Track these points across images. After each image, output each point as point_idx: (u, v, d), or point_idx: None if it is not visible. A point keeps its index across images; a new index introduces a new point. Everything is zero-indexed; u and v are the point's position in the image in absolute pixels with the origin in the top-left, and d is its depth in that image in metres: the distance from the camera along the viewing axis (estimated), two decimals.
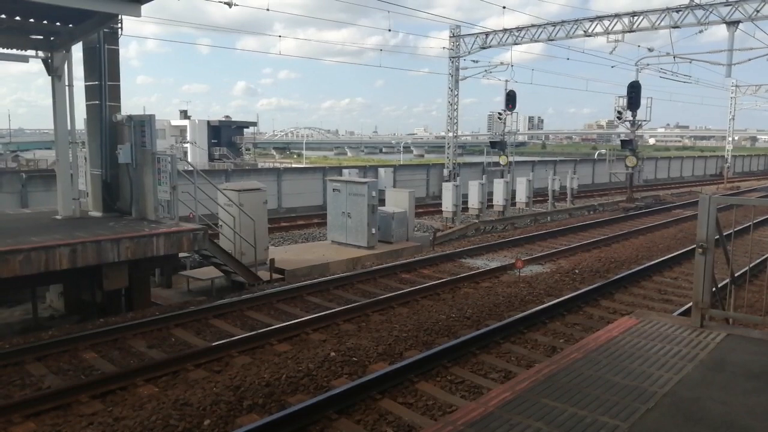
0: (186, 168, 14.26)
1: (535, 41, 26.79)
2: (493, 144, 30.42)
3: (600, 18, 24.89)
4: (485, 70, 29.37)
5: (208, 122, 68.38)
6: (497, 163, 30.16)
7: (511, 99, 28.93)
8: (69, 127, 11.70)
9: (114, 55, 11.77)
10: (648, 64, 28.93)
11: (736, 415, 4.01)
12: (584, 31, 25.18)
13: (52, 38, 11.34)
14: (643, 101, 27.42)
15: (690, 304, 6.82)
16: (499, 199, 23.40)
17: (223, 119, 72.93)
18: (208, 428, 5.91)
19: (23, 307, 10.59)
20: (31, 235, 9.34)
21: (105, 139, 11.77)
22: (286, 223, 20.93)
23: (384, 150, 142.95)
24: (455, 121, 29.97)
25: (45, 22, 10.85)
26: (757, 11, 21.05)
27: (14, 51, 11.19)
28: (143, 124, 11.32)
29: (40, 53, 11.41)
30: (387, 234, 15.65)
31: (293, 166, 46.14)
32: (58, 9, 9.15)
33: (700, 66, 27.03)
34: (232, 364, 7.73)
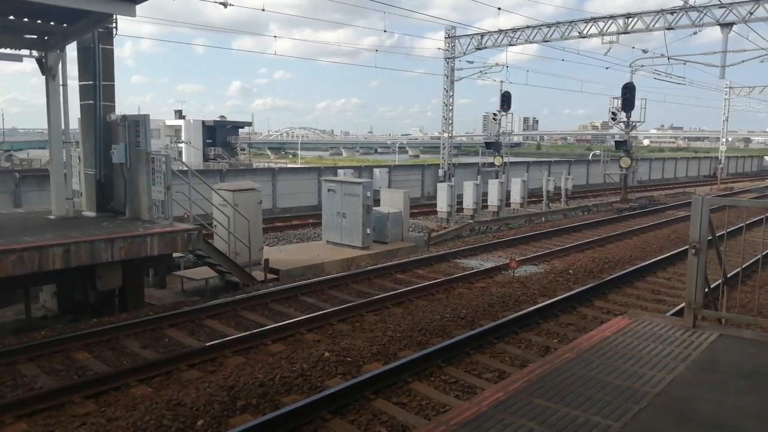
0: (180, 168, 14.24)
1: (530, 42, 26.88)
2: (488, 145, 30.47)
3: (595, 19, 24.98)
4: (480, 71, 29.45)
5: (203, 122, 68.27)
6: (492, 164, 30.20)
7: (506, 100, 28.99)
8: (63, 127, 11.68)
9: (108, 55, 11.74)
10: (642, 66, 29.09)
11: (728, 414, 4.03)
12: (579, 33, 25.26)
13: (46, 38, 11.31)
14: (637, 102, 27.50)
15: (683, 304, 6.85)
16: (493, 199, 23.45)
17: (219, 119, 72.78)
18: (202, 428, 5.90)
19: (16, 307, 10.54)
20: (24, 234, 9.31)
21: (99, 138, 11.73)
22: (280, 223, 20.90)
23: (379, 150, 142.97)
24: (450, 121, 30.02)
25: (39, 21, 10.82)
26: (751, 13, 21.17)
27: (8, 50, 11.15)
28: (138, 123, 11.30)
29: (34, 52, 11.38)
30: (382, 234, 15.66)
31: (288, 166, 46.09)
32: (53, 8, 9.13)
33: (694, 67, 27.20)
34: (225, 365, 7.71)
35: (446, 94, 29.48)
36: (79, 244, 9.03)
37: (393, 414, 6.29)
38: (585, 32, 25.08)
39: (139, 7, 9.51)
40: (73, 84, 11.86)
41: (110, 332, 8.69)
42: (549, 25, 26.00)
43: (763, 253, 10.13)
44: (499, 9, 24.11)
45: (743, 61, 26.85)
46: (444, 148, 30.33)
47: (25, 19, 10.69)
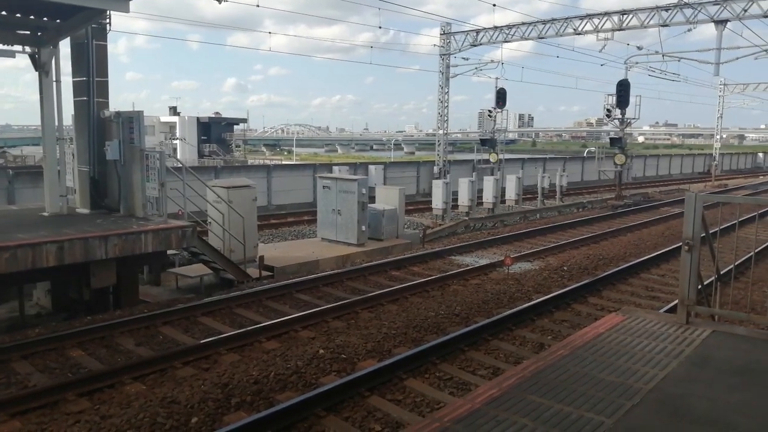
0: (175, 165, 14.20)
1: (526, 39, 26.83)
2: (483, 141, 30.50)
3: (590, 16, 24.97)
4: (476, 68, 29.41)
5: (198, 119, 68.01)
6: (487, 161, 30.23)
7: (501, 96, 28.99)
8: (56, 124, 11.63)
9: (102, 51, 11.70)
10: (637, 63, 29.12)
11: (721, 411, 4.05)
12: (574, 29, 25.25)
13: (39, 33, 11.25)
14: (632, 99, 27.55)
15: (676, 301, 6.88)
16: (488, 196, 23.47)
17: (213, 116, 72.56)
18: (196, 426, 5.90)
19: (10, 304, 10.50)
20: (17, 232, 9.27)
21: (93, 135, 11.69)
22: (275, 220, 20.87)
23: (375, 147, 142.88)
24: (446, 118, 29.99)
25: (32, 17, 10.76)
26: (745, 10, 21.20)
27: (1, 46, 11.08)
28: (131, 120, 11.26)
29: (27, 48, 11.32)
30: (377, 231, 15.66)
31: (283, 163, 46.03)
32: (46, 4, 9.10)
33: (688, 64, 27.21)
34: (220, 362, 7.71)
35: (441, 91, 29.45)
36: (73, 241, 9.00)
37: (387, 411, 6.30)
38: (580, 29, 25.07)
39: (132, 3, 9.48)
40: (67, 80, 11.83)
41: (104, 330, 8.68)
42: (544, 22, 25.98)
43: (756, 250, 10.18)
44: (495, 5, 24.04)
45: (737, 59, 26.85)
46: (439, 144, 30.32)
47: (18, 15, 10.63)
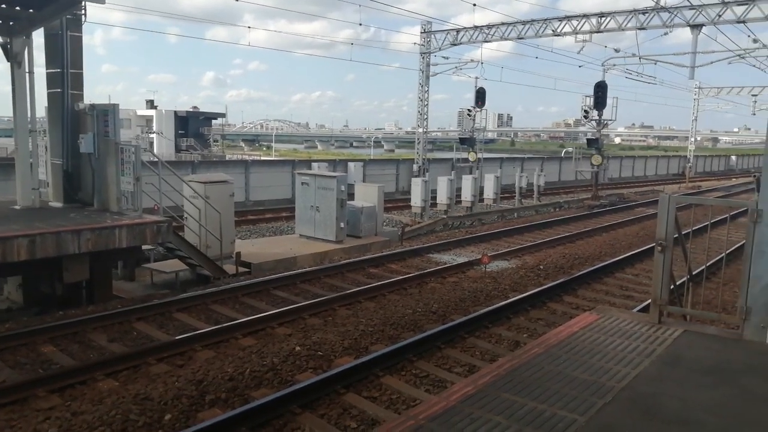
0: (151, 159, 14.01)
1: (505, 39, 27.03)
2: (462, 140, 30.64)
3: (569, 18, 25.22)
4: (456, 67, 29.54)
5: (176, 113, 67.30)
6: (466, 160, 30.37)
7: (480, 96, 29.16)
8: (29, 115, 11.40)
9: (77, 42, 11.48)
10: (614, 65, 29.47)
11: (691, 409, 4.12)
12: (553, 31, 25.48)
13: (11, 23, 11.00)
14: (609, 101, 27.89)
15: (649, 300, 6.98)
16: (467, 195, 23.59)
17: (191, 110, 71.82)
18: (169, 423, 5.84)
19: None
20: None
21: (66, 128, 11.49)
22: (253, 216, 20.73)
23: (355, 144, 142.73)
24: (425, 116, 30.07)
25: (3, 5, 10.51)
26: (720, 15, 21.58)
27: None
28: (106, 113, 11.09)
29: None
30: (356, 228, 15.64)
31: (262, 158, 45.74)
32: None
33: (664, 67, 27.62)
34: (195, 359, 7.63)
35: (421, 89, 29.52)
36: (45, 235, 8.84)
37: (363, 408, 6.30)
38: (559, 30, 25.31)
39: None
40: (40, 71, 11.59)
41: (77, 325, 8.54)
42: (524, 23, 26.19)
43: (728, 251, 10.37)
44: (475, 5, 24.15)
45: (712, 63, 27.42)
46: (419, 143, 30.38)
47: None
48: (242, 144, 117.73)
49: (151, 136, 62.09)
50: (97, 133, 11.11)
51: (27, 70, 11.20)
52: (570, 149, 46.36)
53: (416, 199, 21.43)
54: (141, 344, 8.12)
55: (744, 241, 5.65)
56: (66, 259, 9.26)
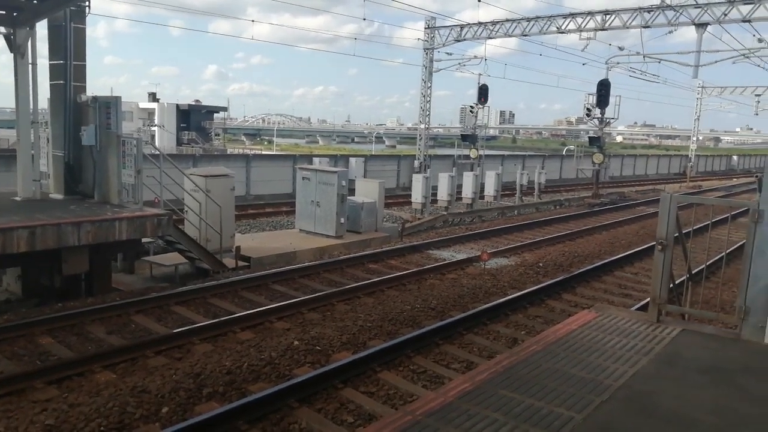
0: (152, 152, 14.00)
1: (509, 36, 26.96)
2: (464, 137, 30.60)
3: (573, 15, 25.14)
4: (459, 63, 29.47)
5: (177, 106, 67.12)
6: (468, 156, 30.34)
7: (483, 93, 29.10)
8: (31, 107, 11.40)
9: (80, 34, 11.45)
10: (618, 63, 29.39)
11: (688, 408, 4.12)
12: (557, 28, 25.41)
13: (15, 14, 10.99)
14: (612, 99, 27.83)
15: (648, 299, 6.98)
16: (468, 191, 23.55)
17: (193, 103, 71.62)
18: (166, 416, 5.84)
19: None
20: None
21: (69, 120, 11.47)
22: (253, 210, 20.72)
23: (356, 140, 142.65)
24: (428, 112, 30.03)
25: None
26: (725, 14, 21.52)
27: None
28: (108, 105, 11.07)
29: (2, 29, 11.08)
30: (356, 224, 15.63)
31: (263, 153, 45.73)
32: None
33: (668, 66, 27.61)
34: (193, 352, 7.64)
35: (424, 85, 29.46)
36: (45, 227, 8.84)
37: (360, 403, 6.30)
38: (563, 27, 25.24)
39: None
40: (43, 63, 11.58)
41: (75, 317, 8.54)
42: (528, 19, 26.11)
43: (728, 251, 10.35)
44: (480, 1, 24.07)
45: (716, 62, 27.28)
46: (420, 139, 30.34)
47: None
48: (244, 138, 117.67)
49: (153, 129, 61.98)
50: (99, 126, 11.09)
51: (30, 62, 11.19)
52: (572, 147, 46.30)
53: (417, 196, 21.41)
54: (139, 337, 8.13)
55: (743, 242, 5.64)
56: (66, 251, 9.26)
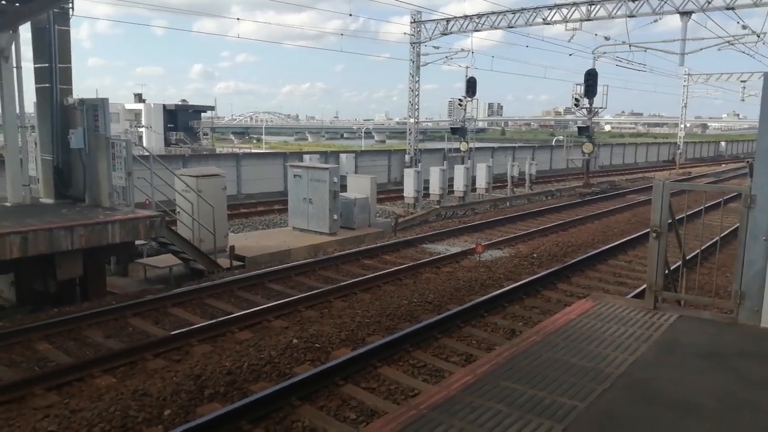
0: (141, 153, 13.92)
1: (495, 28, 26.98)
2: (453, 130, 30.65)
3: (558, 6, 25.16)
4: (446, 57, 29.44)
5: (164, 106, 66.62)
6: (458, 149, 30.38)
7: (471, 86, 29.15)
8: (18, 111, 11.29)
9: (65, 37, 11.36)
10: (605, 53, 29.51)
11: (688, 393, 4.16)
12: (543, 19, 25.44)
13: None
14: (599, 89, 27.92)
15: (644, 286, 7.03)
16: (459, 185, 23.61)
17: (180, 103, 71.10)
18: (169, 418, 5.83)
19: None
20: None
21: (56, 123, 11.39)
22: (246, 209, 20.67)
23: (345, 135, 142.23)
24: (416, 107, 30.00)
25: None
26: (709, 2, 21.61)
27: None
28: (96, 107, 11.00)
29: None
30: (349, 220, 15.63)
31: (253, 151, 45.55)
32: None
33: (654, 55, 27.84)
34: (192, 353, 7.62)
35: (412, 80, 29.43)
36: (37, 232, 8.77)
37: (362, 399, 6.32)
38: (549, 19, 25.27)
39: None
40: (28, 66, 11.47)
41: (72, 322, 8.50)
42: (514, 11, 26.12)
43: (721, 236, 10.45)
44: None
45: (701, 49, 27.41)
46: (410, 133, 30.34)
47: None
48: (232, 137, 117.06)
49: (140, 130, 61.52)
50: (87, 128, 11.02)
51: (14, 65, 11.09)
52: (560, 137, 46.46)
53: (409, 190, 21.43)
54: (137, 340, 8.10)
55: (735, 226, 5.69)
56: (59, 255, 9.20)
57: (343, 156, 28.30)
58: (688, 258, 7.14)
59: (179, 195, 12.37)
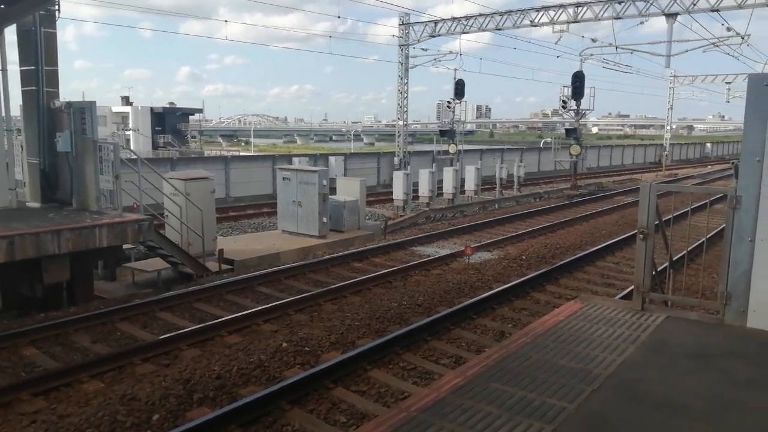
0: (129, 156, 13.84)
1: (483, 30, 27.09)
2: (442, 132, 30.73)
3: (546, 8, 25.33)
4: (434, 59, 29.54)
5: (152, 109, 66.21)
6: (447, 152, 30.44)
7: (459, 88, 29.23)
8: (3, 114, 11.18)
9: (51, 39, 11.27)
10: (591, 55, 29.65)
11: (676, 394, 4.19)
12: (530, 21, 25.59)
13: None
14: (586, 91, 28.13)
15: (631, 287, 7.08)
16: (448, 187, 23.65)
17: (168, 106, 70.73)
18: (158, 423, 5.80)
19: None
20: None
21: (43, 126, 11.29)
22: (234, 212, 20.59)
23: (334, 138, 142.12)
24: (405, 109, 30.05)
25: None
26: (694, 4, 21.85)
27: None
28: (83, 110, 10.91)
29: None
30: (338, 223, 15.61)
31: (241, 154, 45.39)
32: None
33: (640, 56, 27.85)
34: (181, 358, 7.59)
35: (401, 82, 29.48)
36: (23, 236, 8.69)
37: (352, 402, 6.31)
38: (536, 21, 25.43)
39: None
40: (14, 69, 11.38)
41: (59, 327, 8.43)
42: (501, 14, 26.26)
43: (707, 237, 10.55)
44: None
45: (687, 51, 27.66)
46: (399, 136, 30.38)
47: None
48: (220, 140, 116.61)
49: (128, 133, 61.16)
50: (74, 131, 10.93)
51: (0, 68, 10.97)
52: (548, 139, 46.73)
53: (398, 192, 21.45)
54: (125, 345, 8.05)
55: (721, 227, 5.75)
56: (46, 260, 9.12)
57: (332, 158, 28.29)
58: (675, 259, 7.19)
59: (167, 198, 12.31)
